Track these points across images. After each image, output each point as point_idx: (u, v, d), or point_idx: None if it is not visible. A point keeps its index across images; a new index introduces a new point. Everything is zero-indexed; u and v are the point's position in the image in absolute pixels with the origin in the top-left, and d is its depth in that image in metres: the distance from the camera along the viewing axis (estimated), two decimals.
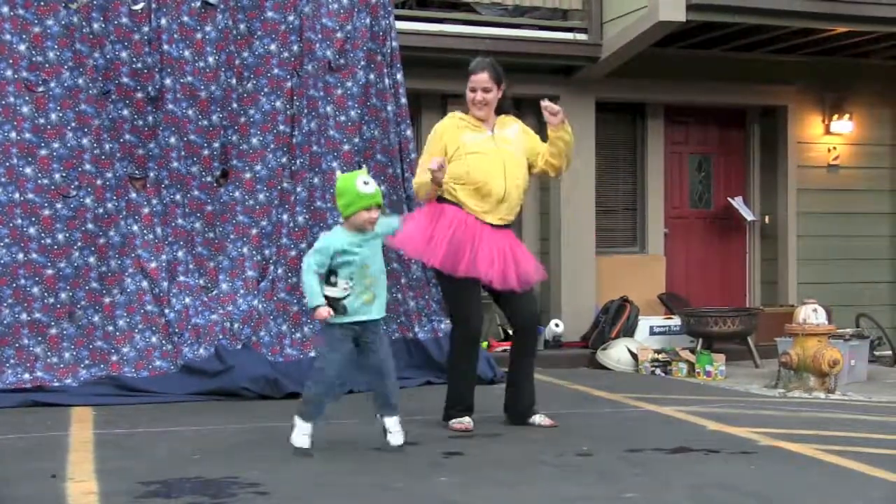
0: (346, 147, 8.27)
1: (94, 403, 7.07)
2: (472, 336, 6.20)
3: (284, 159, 8.13)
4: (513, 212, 6.27)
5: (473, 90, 6.22)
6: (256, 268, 8.04)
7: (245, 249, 8.05)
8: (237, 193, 8.08)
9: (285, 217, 8.07)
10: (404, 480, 4.78)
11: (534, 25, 10.84)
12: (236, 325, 7.81)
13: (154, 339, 7.69)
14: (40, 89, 7.69)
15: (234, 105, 8.09)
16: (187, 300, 7.83)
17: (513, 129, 6.34)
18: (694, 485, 4.69)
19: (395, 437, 5.42)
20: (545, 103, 6.21)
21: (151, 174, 7.95)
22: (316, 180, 8.18)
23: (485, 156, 6.15)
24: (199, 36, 7.99)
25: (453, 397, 6.23)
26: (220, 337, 7.74)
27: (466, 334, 6.18)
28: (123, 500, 4.38)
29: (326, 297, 5.26)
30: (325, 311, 5.22)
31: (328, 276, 5.29)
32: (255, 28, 8.15)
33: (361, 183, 5.27)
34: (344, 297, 5.28)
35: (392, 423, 5.43)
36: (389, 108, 8.41)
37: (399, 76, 8.56)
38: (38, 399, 7.12)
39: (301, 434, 5.33)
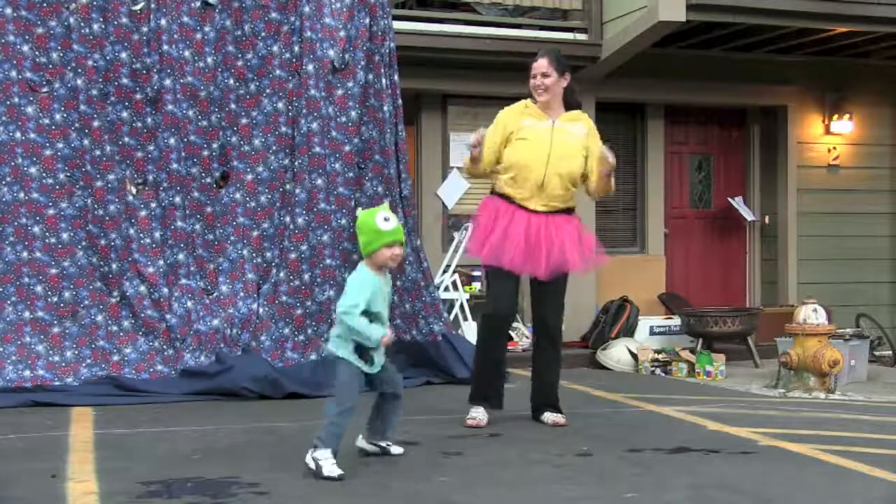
0: (346, 148, 8.25)
1: (94, 403, 7.06)
2: (494, 325, 6.25)
3: (287, 161, 8.11)
4: (558, 199, 6.22)
5: (534, 76, 6.27)
6: (256, 270, 8.02)
7: (245, 252, 8.03)
8: (238, 195, 8.07)
9: (287, 219, 8.05)
10: (404, 480, 4.79)
11: (534, 25, 10.85)
12: (235, 331, 7.79)
13: (156, 344, 7.67)
14: (44, 90, 7.69)
15: (233, 106, 8.07)
16: (189, 304, 7.80)
17: (579, 125, 6.35)
18: (694, 485, 4.69)
19: (395, 448, 5.30)
20: (606, 153, 6.14)
21: (150, 177, 7.92)
22: (319, 182, 8.11)
23: (532, 143, 6.20)
24: (198, 36, 7.97)
25: (473, 386, 6.33)
26: (222, 344, 7.72)
27: (487, 323, 6.27)
28: (123, 500, 4.38)
29: (358, 345, 4.95)
30: (391, 334, 5.00)
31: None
32: (258, 29, 8.13)
33: (381, 219, 4.99)
34: (374, 348, 4.98)
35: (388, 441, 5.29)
36: (386, 108, 8.40)
37: (396, 77, 8.54)
38: (38, 399, 7.10)
39: (330, 464, 4.81)
